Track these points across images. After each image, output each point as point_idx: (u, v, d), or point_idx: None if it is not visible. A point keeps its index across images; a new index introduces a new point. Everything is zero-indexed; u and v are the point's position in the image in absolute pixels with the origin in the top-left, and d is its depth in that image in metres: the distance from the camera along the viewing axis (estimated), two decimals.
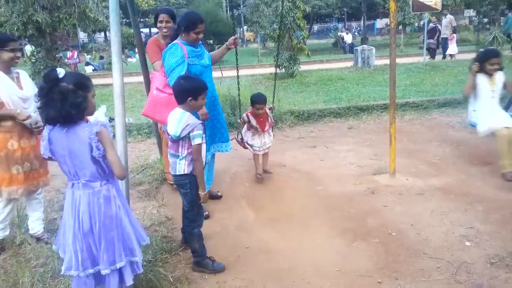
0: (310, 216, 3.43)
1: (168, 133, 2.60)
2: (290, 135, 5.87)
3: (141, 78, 4.47)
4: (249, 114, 3.93)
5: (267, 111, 3.98)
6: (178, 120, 2.53)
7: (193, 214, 2.69)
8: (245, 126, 3.98)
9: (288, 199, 3.78)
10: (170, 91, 3.02)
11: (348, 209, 3.49)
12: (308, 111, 6.73)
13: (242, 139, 4.00)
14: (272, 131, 4.12)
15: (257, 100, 3.88)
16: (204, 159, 2.62)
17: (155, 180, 4.22)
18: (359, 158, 4.74)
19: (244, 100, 6.92)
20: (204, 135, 2.55)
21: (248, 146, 3.98)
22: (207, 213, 3.39)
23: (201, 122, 2.55)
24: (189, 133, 2.48)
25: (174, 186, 4.12)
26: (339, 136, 5.75)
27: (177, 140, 2.55)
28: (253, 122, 3.92)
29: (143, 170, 4.55)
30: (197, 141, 2.48)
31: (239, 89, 4.09)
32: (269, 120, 4.03)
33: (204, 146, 2.59)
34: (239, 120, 3.99)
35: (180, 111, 2.56)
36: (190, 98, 2.54)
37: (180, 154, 2.57)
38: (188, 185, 2.61)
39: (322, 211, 3.51)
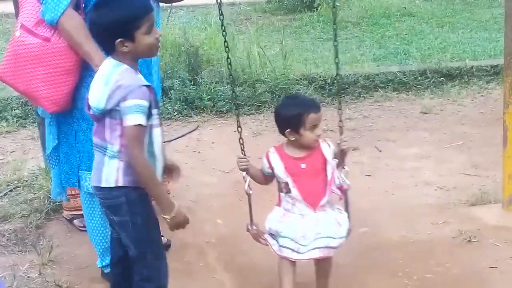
0: (345, 286, 3.44)
1: (88, 106, 2.66)
2: None
3: (7, 4, 4.43)
4: (273, 151, 3.14)
5: (324, 146, 3.11)
6: (105, 80, 2.58)
7: (145, 265, 2.76)
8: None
9: None
10: (49, 35, 3.07)
11: (423, 272, 3.50)
12: (344, 77, 6.76)
13: (251, 220, 3.25)
14: (347, 204, 3.25)
15: (305, 107, 3.04)
16: (160, 156, 2.68)
17: (36, 211, 4.23)
18: (443, 173, 4.76)
19: (213, 56, 6.96)
20: (155, 110, 2.61)
21: (266, 237, 3.22)
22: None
23: (146, 84, 2.59)
24: (119, 103, 2.54)
25: (75, 222, 4.23)
26: (404, 128, 5.78)
27: (102, 118, 2.61)
28: (279, 169, 3.08)
29: (10, 191, 4.55)
30: (132, 119, 2.52)
31: (226, 42, 3.21)
32: (329, 175, 3.07)
33: (158, 131, 2.64)
34: (239, 155, 3.23)
35: (111, 65, 2.62)
36: (120, 40, 2.57)
37: (108, 145, 2.63)
38: (125, 208, 2.65)
39: (370, 277, 3.51)
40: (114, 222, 2.78)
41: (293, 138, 3.04)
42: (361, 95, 6.62)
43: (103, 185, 2.65)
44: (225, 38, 3.21)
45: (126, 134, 2.55)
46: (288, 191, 3.06)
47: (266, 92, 6.34)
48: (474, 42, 8.39)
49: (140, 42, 2.58)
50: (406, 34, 9.07)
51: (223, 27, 3.20)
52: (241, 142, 3.23)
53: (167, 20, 7.92)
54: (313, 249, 3.02)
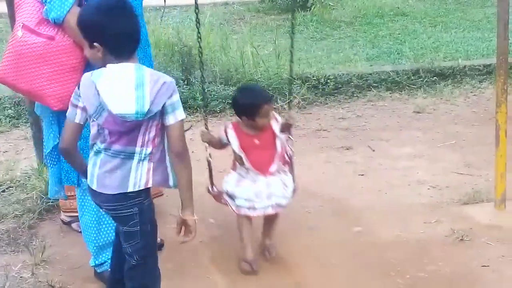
0: (338, 286, 3.46)
1: (115, 115, 2.54)
2: (300, 123, 5.90)
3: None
4: (230, 125, 3.65)
5: (274, 123, 3.63)
6: (136, 82, 2.53)
7: (144, 273, 2.80)
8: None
9: (296, 253, 3.79)
10: (52, 33, 3.08)
11: (415, 271, 3.52)
12: (337, 77, 6.79)
13: (212, 184, 3.80)
14: (293, 178, 3.75)
15: (260, 99, 3.55)
16: None
17: (29, 211, 4.22)
18: (436, 173, 4.78)
19: (206, 56, 6.96)
20: None
21: (225, 198, 3.70)
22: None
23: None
24: (165, 101, 2.57)
25: (73, 226, 4.21)
26: (397, 127, 5.81)
27: (141, 123, 2.59)
28: (235, 143, 3.59)
29: (3, 191, 4.54)
30: (181, 113, 2.63)
31: (199, 34, 3.74)
32: (279, 147, 3.63)
33: None
34: (202, 129, 3.74)
35: (132, 67, 2.57)
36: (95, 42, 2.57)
37: (139, 149, 2.62)
38: (136, 218, 2.68)
39: (363, 277, 3.52)
40: (120, 232, 2.79)
41: (248, 123, 3.58)
42: (354, 95, 6.62)
43: (130, 189, 2.63)
44: (198, 30, 3.71)
45: (176, 130, 2.62)
46: (242, 163, 3.60)
47: None
48: (467, 42, 8.41)
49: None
50: (399, 34, 9.09)
51: (197, 19, 3.68)
52: (205, 117, 3.89)
53: (161, 20, 7.91)
54: (267, 206, 3.59)
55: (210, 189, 3.79)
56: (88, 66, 3.17)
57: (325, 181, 4.70)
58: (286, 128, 3.68)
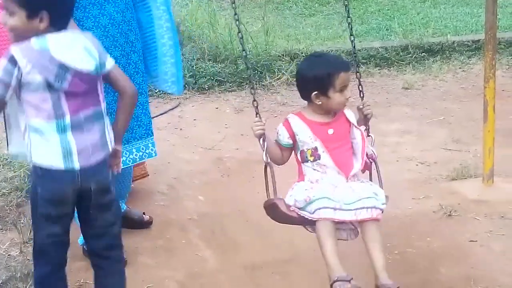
0: None
1: (82, 72, 2.49)
2: (289, 100, 5.89)
3: None
4: (290, 116, 2.91)
5: (347, 112, 2.93)
6: (83, 45, 2.54)
7: (120, 232, 2.81)
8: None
9: (286, 229, 3.76)
10: None
11: (404, 247, 3.54)
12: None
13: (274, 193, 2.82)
14: (377, 173, 3.01)
15: (335, 65, 2.85)
16: None
17: (17, 189, 4.21)
18: (424, 148, 4.79)
19: (194, 32, 6.90)
20: None
21: (294, 209, 2.81)
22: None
23: None
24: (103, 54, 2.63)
25: None
26: (386, 104, 5.80)
27: (96, 78, 2.57)
28: (304, 134, 2.81)
29: None
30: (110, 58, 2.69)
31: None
32: (359, 143, 2.89)
33: None
34: (256, 119, 2.91)
35: (69, 32, 2.57)
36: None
37: (103, 105, 2.62)
38: (112, 186, 2.68)
39: (352, 251, 3.48)
40: (98, 208, 2.66)
41: (320, 102, 2.80)
42: None
43: (110, 147, 2.61)
44: None
45: (118, 73, 2.66)
46: (317, 158, 2.77)
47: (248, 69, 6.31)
48: (456, 17, 8.37)
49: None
50: (388, 10, 9.03)
51: None
52: (255, 105, 2.93)
53: None
54: (359, 208, 2.70)
55: (277, 201, 2.82)
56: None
57: None
58: (364, 122, 3.01)
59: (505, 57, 6.76)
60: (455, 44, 7.01)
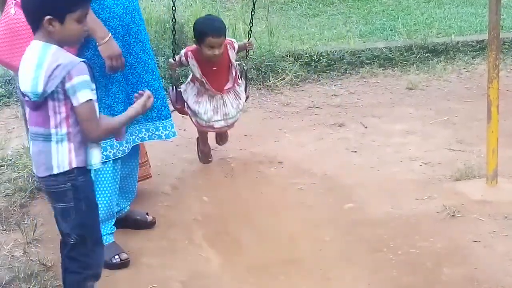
0: (331, 262, 3.47)
1: (21, 93, 2.61)
2: (293, 101, 5.90)
3: None
4: (189, 53, 4.16)
5: (230, 51, 4.21)
6: (36, 62, 2.54)
7: (85, 253, 2.76)
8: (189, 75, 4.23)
9: (289, 230, 3.81)
10: None
11: (407, 247, 3.54)
12: (330, 54, 6.76)
13: (178, 93, 4.31)
14: (245, 88, 4.45)
15: (208, 29, 4.05)
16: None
17: (20, 190, 4.21)
18: (428, 149, 4.78)
19: (188, 27, 6.90)
20: (93, 85, 2.60)
21: (187, 111, 4.28)
22: (125, 256, 3.47)
23: (83, 60, 2.59)
24: (62, 83, 2.52)
25: None
26: (390, 104, 5.79)
27: (43, 103, 2.57)
28: (196, 71, 4.15)
29: None
30: (83, 95, 2.55)
31: (174, 7, 4.28)
32: (234, 72, 4.21)
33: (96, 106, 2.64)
34: (170, 60, 4.30)
35: (39, 46, 2.57)
36: (48, 18, 2.52)
37: (54, 130, 2.60)
38: (70, 195, 2.66)
39: (355, 252, 3.54)
40: (56, 210, 2.76)
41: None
42: (347, 71, 6.57)
43: (55, 171, 2.62)
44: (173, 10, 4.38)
45: (81, 113, 2.56)
46: (203, 84, 4.14)
47: (252, 69, 6.31)
48: (460, 17, 8.36)
49: (68, 27, 2.55)
50: (393, 10, 9.02)
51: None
52: (174, 51, 4.36)
53: None
54: (223, 126, 4.27)
55: (172, 91, 4.33)
56: (82, 42, 3.19)
57: (317, 158, 4.69)
58: (243, 49, 4.41)
59: (509, 57, 6.74)
60: (460, 45, 7.00)
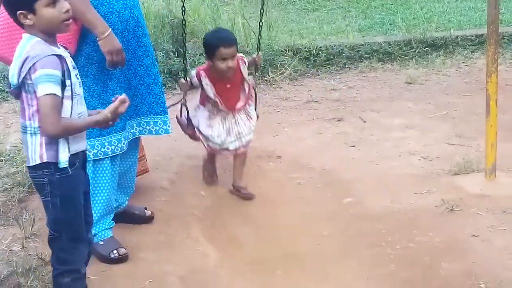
0: (330, 256, 3.48)
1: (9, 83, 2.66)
2: (292, 95, 5.91)
3: None
4: (202, 72, 3.92)
5: (242, 67, 3.98)
6: (18, 53, 2.57)
7: (61, 247, 2.77)
8: (198, 95, 4.03)
9: (287, 224, 3.81)
10: None
11: (405, 242, 3.55)
12: (328, 48, 6.76)
13: (188, 119, 4.03)
14: (255, 108, 4.18)
15: (218, 40, 3.83)
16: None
17: (19, 185, 4.22)
18: (427, 143, 4.79)
19: (197, 27, 6.90)
20: (68, 81, 2.57)
21: (199, 136, 4.03)
22: (123, 250, 3.47)
23: (56, 54, 2.56)
24: (30, 75, 2.51)
25: None
26: (389, 98, 5.80)
27: (19, 94, 2.61)
28: (210, 90, 3.90)
29: None
30: (43, 88, 2.50)
31: (184, 6, 4.03)
32: (246, 89, 4.05)
33: (68, 104, 2.59)
34: (181, 80, 4.07)
35: (25, 38, 2.60)
36: (19, 12, 2.53)
37: (28, 122, 2.61)
38: (47, 189, 2.66)
39: (354, 247, 3.55)
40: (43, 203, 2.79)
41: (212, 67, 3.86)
42: (346, 66, 6.59)
43: (31, 163, 2.64)
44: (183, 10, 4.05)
45: (39, 105, 2.53)
46: (215, 105, 3.92)
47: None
48: (460, 12, 8.37)
49: (42, 15, 2.53)
50: (392, 4, 9.03)
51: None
52: (185, 68, 4.26)
53: None
54: (233, 145, 3.98)
55: (181, 116, 4.06)
56: (82, 38, 3.21)
57: (316, 153, 4.70)
58: (252, 64, 4.17)
59: (508, 51, 6.75)
60: (459, 39, 7.02)
